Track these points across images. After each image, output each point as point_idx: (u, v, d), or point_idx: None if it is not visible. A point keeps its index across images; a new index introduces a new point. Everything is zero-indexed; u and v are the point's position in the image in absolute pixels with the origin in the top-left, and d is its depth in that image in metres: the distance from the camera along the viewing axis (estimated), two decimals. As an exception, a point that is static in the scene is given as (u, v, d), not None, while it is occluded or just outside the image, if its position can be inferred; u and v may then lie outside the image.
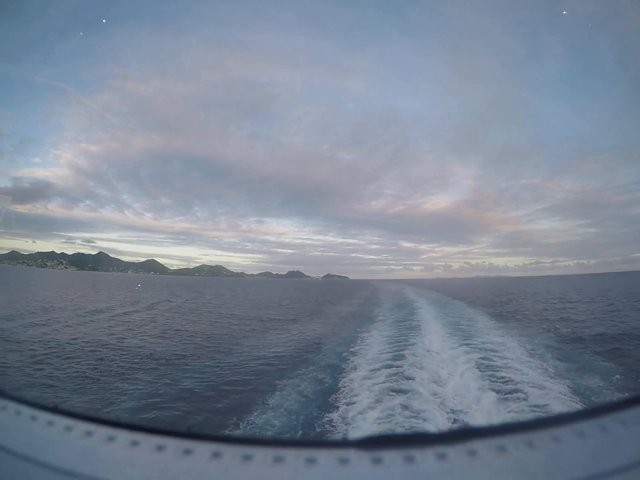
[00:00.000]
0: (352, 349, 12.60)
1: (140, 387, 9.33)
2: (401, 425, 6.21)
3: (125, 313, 23.87)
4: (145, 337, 15.77)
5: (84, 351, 13.01)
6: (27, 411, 0.96)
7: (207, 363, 11.83)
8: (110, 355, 12.61)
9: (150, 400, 8.48)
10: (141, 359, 12.29)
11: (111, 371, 10.82)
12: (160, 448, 0.79)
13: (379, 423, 6.33)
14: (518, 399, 7.03)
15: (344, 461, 0.72)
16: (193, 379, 10.16)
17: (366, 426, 6.32)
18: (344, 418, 6.90)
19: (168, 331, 17.86)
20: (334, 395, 8.21)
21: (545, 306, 27.33)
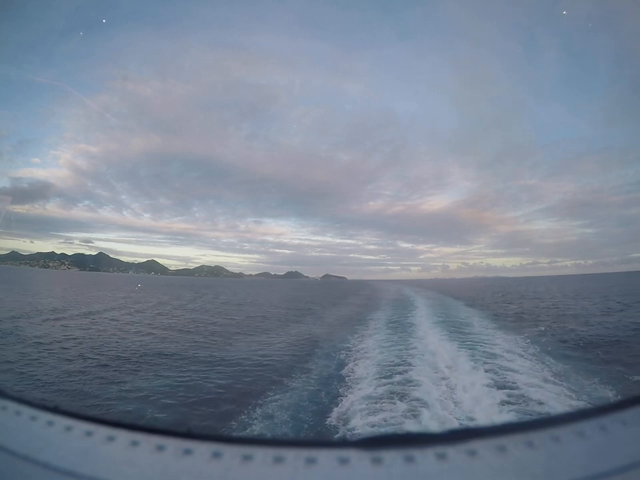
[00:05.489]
0: (353, 348, 12.64)
1: (144, 384, 9.44)
2: (401, 424, 6.21)
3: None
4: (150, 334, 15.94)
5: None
6: (27, 410, 0.96)
7: (212, 361, 12.09)
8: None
9: (153, 398, 8.51)
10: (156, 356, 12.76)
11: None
12: (160, 448, 0.79)
13: (379, 423, 6.33)
14: (518, 398, 7.03)
15: (344, 461, 0.72)
16: (196, 376, 10.30)
17: (366, 426, 6.32)
18: (344, 418, 6.90)
19: (177, 328, 18.60)
20: (334, 394, 8.21)
21: (544, 305, 27.37)
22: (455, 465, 0.70)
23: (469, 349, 11.16)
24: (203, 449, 0.77)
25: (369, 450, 0.74)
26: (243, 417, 7.33)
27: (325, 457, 0.73)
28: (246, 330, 18.60)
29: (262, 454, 0.75)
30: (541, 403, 6.81)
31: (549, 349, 11.90)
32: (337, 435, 6.24)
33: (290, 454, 0.74)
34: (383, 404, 7.10)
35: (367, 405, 7.21)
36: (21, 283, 60.88)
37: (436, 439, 0.76)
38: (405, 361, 9.97)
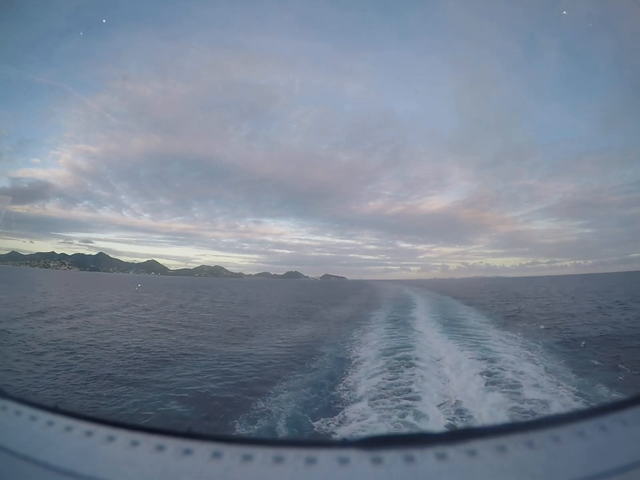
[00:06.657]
0: (353, 347, 12.73)
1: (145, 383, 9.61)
2: (401, 424, 6.20)
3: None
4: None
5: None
6: (27, 410, 0.96)
7: (237, 352, 12.92)
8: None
9: (152, 398, 8.51)
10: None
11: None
12: (160, 448, 0.79)
13: (379, 423, 6.33)
14: (518, 399, 7.03)
15: (344, 461, 0.72)
16: (229, 364, 11.19)
17: (366, 426, 6.31)
18: (344, 417, 6.90)
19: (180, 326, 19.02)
20: (334, 394, 8.22)
21: (541, 304, 27.41)
22: (455, 465, 0.70)
23: (468, 348, 11.19)
24: (203, 448, 0.77)
25: (369, 450, 0.74)
26: (276, 387, 8.97)
27: (325, 457, 0.73)
28: (261, 325, 19.99)
29: (262, 454, 0.75)
30: (541, 403, 6.81)
31: (548, 347, 12.00)
32: (337, 435, 6.24)
33: (290, 454, 0.74)
34: (383, 403, 7.13)
35: (367, 404, 7.25)
36: (26, 282, 60.95)
37: (436, 438, 0.76)
38: (403, 360, 10.06)
